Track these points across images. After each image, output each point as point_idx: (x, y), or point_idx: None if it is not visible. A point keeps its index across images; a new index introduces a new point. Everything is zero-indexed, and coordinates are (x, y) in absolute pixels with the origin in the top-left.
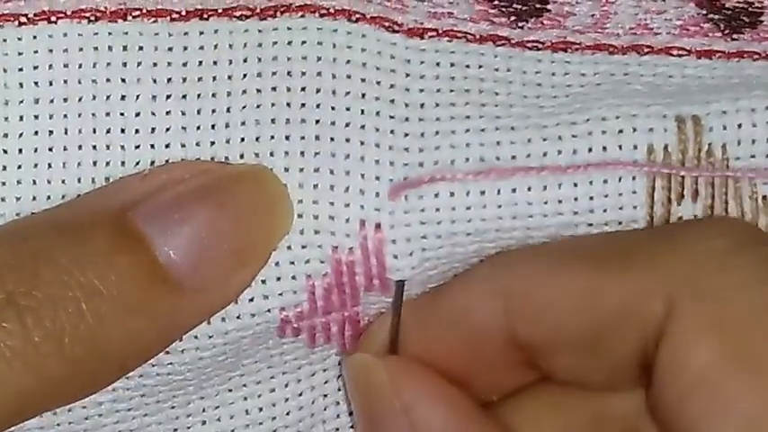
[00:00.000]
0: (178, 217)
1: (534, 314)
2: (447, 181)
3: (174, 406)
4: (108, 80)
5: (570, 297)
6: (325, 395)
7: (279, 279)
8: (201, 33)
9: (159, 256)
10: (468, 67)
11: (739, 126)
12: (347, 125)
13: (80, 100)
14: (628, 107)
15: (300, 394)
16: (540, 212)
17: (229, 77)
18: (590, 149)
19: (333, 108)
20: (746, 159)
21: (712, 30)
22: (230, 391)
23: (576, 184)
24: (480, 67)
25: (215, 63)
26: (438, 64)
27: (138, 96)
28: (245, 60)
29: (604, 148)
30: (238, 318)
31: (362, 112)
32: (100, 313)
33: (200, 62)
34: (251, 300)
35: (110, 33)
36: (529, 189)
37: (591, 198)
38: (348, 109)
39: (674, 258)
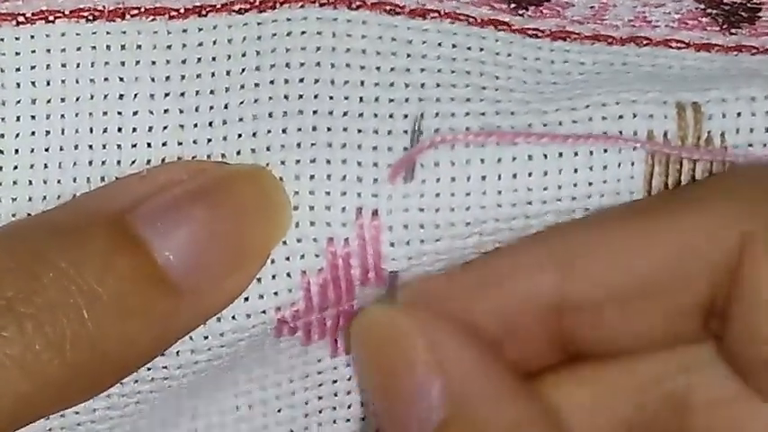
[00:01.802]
0: (176, 219)
1: (590, 268)
2: (448, 143)
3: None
4: (106, 79)
5: (632, 243)
6: (320, 397)
7: (274, 277)
8: (200, 30)
9: (157, 258)
10: (469, 49)
11: (738, 115)
12: (345, 114)
13: (77, 100)
14: (627, 93)
15: (293, 393)
16: (540, 199)
17: (228, 73)
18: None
19: (330, 98)
20: (744, 148)
21: (710, 24)
22: (221, 388)
23: (576, 170)
24: (481, 50)
25: (213, 59)
26: (440, 44)
27: (135, 95)
28: (243, 55)
29: (604, 134)
30: (234, 318)
31: (361, 99)
32: (99, 317)
33: (199, 59)
34: (246, 299)
35: (108, 33)
36: (530, 175)
37: (590, 184)
38: (346, 98)
39: (743, 189)
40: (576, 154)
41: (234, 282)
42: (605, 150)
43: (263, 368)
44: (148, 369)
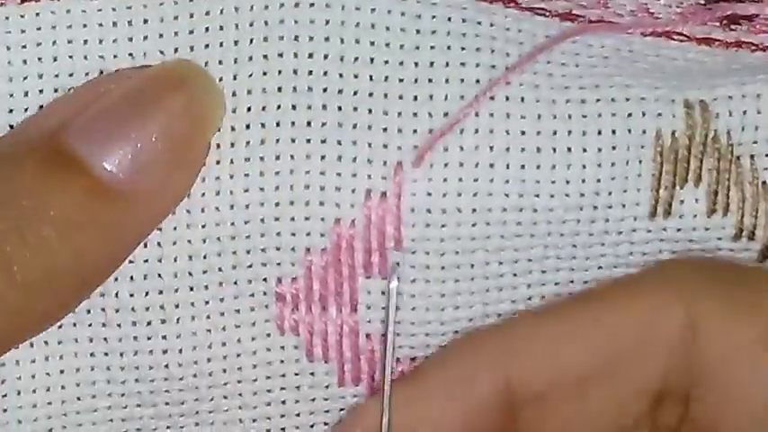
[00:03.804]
0: (108, 129)
1: (534, 362)
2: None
3: (169, 426)
4: (115, 56)
5: (574, 333)
6: (326, 423)
7: (278, 249)
8: None
9: (95, 170)
10: (479, 24)
11: (744, 113)
12: (355, 93)
13: (87, 75)
14: (637, 89)
15: (298, 414)
16: (548, 192)
17: (236, 43)
18: (599, 132)
19: (341, 75)
20: (749, 145)
21: (711, 20)
22: (225, 398)
23: (584, 166)
24: (492, 25)
25: (221, 28)
26: (449, 19)
27: None
28: (251, 24)
29: (613, 132)
30: (235, 283)
31: (371, 78)
32: (43, 236)
33: (207, 28)
34: (249, 266)
35: (114, 9)
36: (538, 167)
37: (598, 180)
38: (356, 76)
39: (685, 272)
40: (584, 150)
41: (177, 180)
42: (614, 148)
43: (270, 381)
44: (150, 368)
